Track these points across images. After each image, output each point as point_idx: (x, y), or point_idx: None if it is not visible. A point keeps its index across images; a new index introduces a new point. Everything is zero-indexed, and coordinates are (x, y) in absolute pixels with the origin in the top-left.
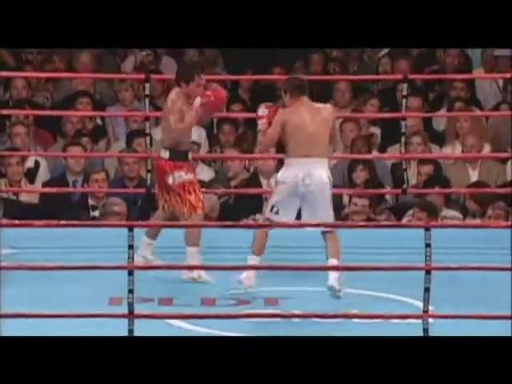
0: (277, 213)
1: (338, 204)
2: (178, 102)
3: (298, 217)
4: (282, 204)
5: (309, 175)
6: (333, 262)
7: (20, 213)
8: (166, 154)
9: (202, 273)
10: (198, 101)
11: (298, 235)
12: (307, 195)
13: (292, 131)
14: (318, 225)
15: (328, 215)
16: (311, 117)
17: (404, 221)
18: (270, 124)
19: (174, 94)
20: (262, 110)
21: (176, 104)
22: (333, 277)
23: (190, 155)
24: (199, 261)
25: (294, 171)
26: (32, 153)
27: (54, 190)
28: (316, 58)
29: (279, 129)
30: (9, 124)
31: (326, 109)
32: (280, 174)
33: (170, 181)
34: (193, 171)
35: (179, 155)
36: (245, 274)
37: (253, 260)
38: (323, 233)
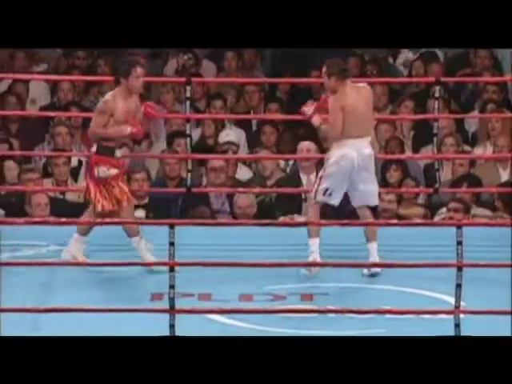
0: (330, 195)
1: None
2: (109, 104)
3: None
4: (336, 186)
5: (360, 155)
6: (372, 245)
7: (66, 211)
8: (94, 148)
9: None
10: (127, 129)
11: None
12: (357, 173)
13: (348, 114)
14: (351, 223)
15: (375, 187)
16: (359, 98)
17: (436, 219)
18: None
19: (110, 95)
20: (308, 108)
21: (106, 105)
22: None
23: (119, 152)
24: (147, 248)
25: (348, 151)
26: (75, 153)
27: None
28: (352, 62)
29: (341, 115)
30: (53, 125)
31: (365, 88)
32: (333, 155)
33: (96, 174)
34: (118, 166)
35: (105, 150)
36: (314, 256)
37: (313, 243)
38: (360, 208)
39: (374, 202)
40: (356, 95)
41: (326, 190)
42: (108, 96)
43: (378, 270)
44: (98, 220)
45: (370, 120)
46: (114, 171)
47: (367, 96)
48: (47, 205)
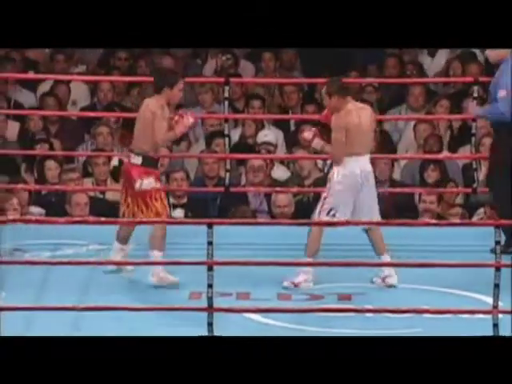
0: (333, 216)
1: (410, 204)
2: (165, 110)
3: None
4: (340, 206)
5: (363, 172)
6: (385, 258)
7: (106, 210)
8: (137, 160)
9: (169, 276)
10: (190, 120)
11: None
12: (361, 192)
13: (351, 132)
14: (388, 223)
15: (375, 208)
16: (362, 116)
17: (474, 219)
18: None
19: (156, 101)
20: (308, 133)
21: (163, 111)
22: (390, 272)
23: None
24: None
25: (351, 170)
26: (114, 153)
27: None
28: (391, 62)
29: (344, 133)
30: (94, 125)
31: (367, 108)
32: (337, 174)
33: (137, 186)
34: (159, 180)
35: (151, 162)
36: (304, 277)
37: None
38: (366, 230)
39: (376, 218)
40: (358, 113)
41: (330, 210)
42: (155, 102)
43: (394, 282)
44: (136, 220)
45: (371, 138)
46: (158, 184)
47: (368, 114)
48: (87, 204)
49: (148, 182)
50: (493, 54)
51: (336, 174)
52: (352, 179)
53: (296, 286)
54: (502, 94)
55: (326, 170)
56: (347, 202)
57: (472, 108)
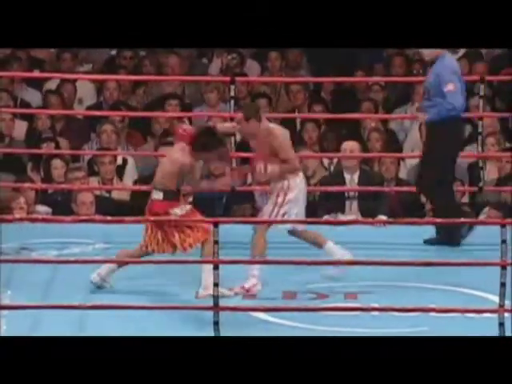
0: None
1: (416, 202)
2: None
3: None
4: (293, 211)
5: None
6: (329, 245)
7: (112, 209)
8: (159, 195)
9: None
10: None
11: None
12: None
13: (290, 147)
14: (396, 222)
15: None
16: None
17: (480, 218)
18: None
19: (181, 153)
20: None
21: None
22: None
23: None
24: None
25: (301, 178)
26: (119, 151)
27: (144, 187)
28: (397, 61)
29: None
30: (100, 124)
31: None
32: (292, 184)
33: (173, 217)
34: (185, 202)
35: (173, 195)
36: (254, 281)
37: (254, 266)
38: (292, 232)
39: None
40: (280, 132)
41: (284, 214)
42: (181, 154)
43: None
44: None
45: None
46: (187, 206)
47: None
48: (92, 203)
49: (180, 209)
50: (428, 51)
51: (292, 183)
52: (303, 187)
53: (248, 291)
54: (449, 87)
55: (331, 169)
56: (298, 210)
57: (418, 116)
